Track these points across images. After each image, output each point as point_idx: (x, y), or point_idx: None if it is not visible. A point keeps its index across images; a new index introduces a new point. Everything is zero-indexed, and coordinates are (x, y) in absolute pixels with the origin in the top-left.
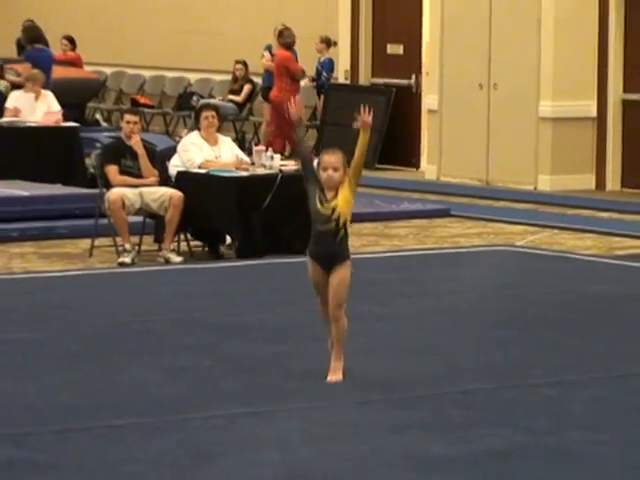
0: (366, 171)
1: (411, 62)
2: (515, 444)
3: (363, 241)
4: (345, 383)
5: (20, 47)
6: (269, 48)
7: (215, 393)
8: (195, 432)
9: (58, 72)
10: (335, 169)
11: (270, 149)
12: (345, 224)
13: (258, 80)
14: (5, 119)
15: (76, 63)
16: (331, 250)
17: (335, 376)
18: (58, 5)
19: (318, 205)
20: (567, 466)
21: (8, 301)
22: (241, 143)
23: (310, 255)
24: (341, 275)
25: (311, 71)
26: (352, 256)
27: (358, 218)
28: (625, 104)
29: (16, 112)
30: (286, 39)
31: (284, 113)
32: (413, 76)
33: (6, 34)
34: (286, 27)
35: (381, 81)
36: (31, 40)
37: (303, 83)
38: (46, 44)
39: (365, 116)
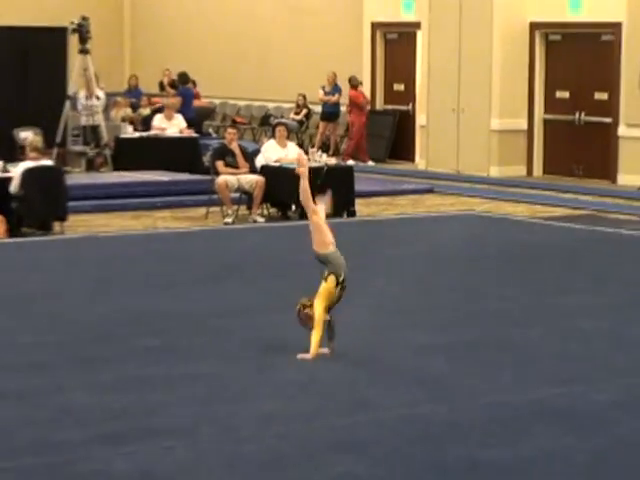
0: (379, 163)
1: (409, 95)
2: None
3: (379, 208)
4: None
5: (162, 87)
6: (323, 87)
7: (281, 301)
8: (272, 329)
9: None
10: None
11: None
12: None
13: (312, 107)
14: (153, 132)
15: (198, 96)
16: None
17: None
18: (183, 56)
19: None
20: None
21: (153, 246)
22: (301, 146)
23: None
24: None
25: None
26: (370, 219)
27: (374, 194)
28: (545, 121)
29: (161, 129)
30: (353, 82)
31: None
32: (410, 104)
33: (149, 76)
34: (353, 75)
35: (390, 107)
36: (183, 82)
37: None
38: (193, 84)
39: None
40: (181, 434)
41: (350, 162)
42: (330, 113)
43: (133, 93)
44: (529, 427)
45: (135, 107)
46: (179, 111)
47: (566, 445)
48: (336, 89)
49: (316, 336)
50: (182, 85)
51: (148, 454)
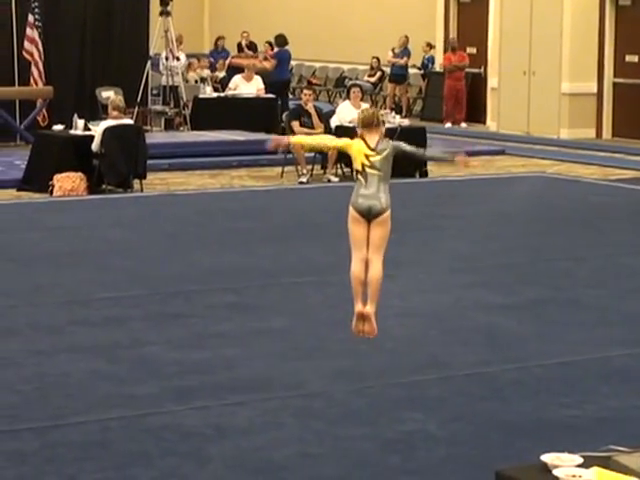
0: (457, 125)
1: (481, 57)
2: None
3: (450, 169)
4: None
5: (240, 48)
6: (393, 49)
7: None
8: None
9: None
10: None
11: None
12: None
13: (385, 69)
14: (229, 92)
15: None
16: None
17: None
18: (261, 18)
19: None
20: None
21: (230, 204)
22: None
23: None
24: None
25: (419, 63)
26: (442, 179)
27: None
28: (615, 85)
29: (235, 87)
30: (453, 44)
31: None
32: (482, 66)
33: (229, 38)
34: (452, 38)
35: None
36: (280, 44)
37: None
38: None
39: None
40: (253, 390)
41: (464, 125)
42: (398, 75)
43: (221, 54)
44: (597, 388)
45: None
46: (274, 73)
47: (634, 406)
48: (405, 52)
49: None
50: (279, 47)
51: (219, 409)
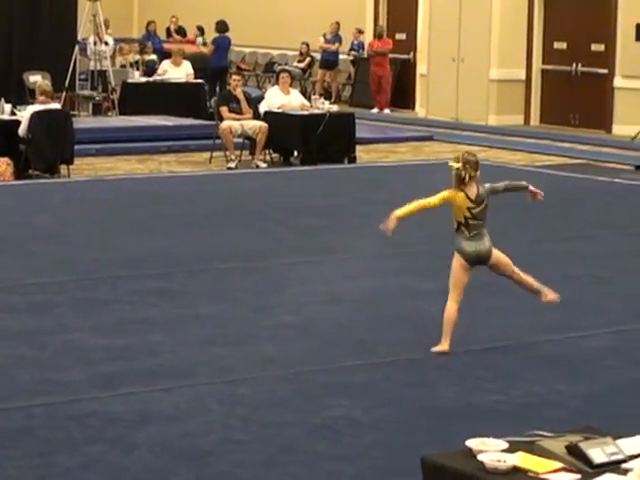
0: (380, 111)
1: (410, 44)
2: None
3: (379, 155)
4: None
5: (169, 33)
6: (324, 35)
7: (280, 246)
8: (271, 272)
9: (191, 48)
10: None
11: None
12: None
13: (315, 54)
14: (158, 77)
15: (194, 43)
16: None
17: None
18: (191, 3)
19: None
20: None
21: (157, 190)
22: (304, 93)
23: None
24: None
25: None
26: (370, 165)
27: (376, 141)
28: (543, 72)
29: (164, 73)
30: (379, 32)
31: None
32: (411, 53)
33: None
34: (380, 25)
35: (392, 56)
36: (220, 31)
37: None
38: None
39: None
40: (179, 376)
41: (387, 111)
42: (329, 61)
43: (151, 38)
44: (522, 373)
45: (157, 53)
46: (212, 60)
47: (558, 391)
48: (336, 38)
49: None
50: (220, 33)
51: (145, 395)
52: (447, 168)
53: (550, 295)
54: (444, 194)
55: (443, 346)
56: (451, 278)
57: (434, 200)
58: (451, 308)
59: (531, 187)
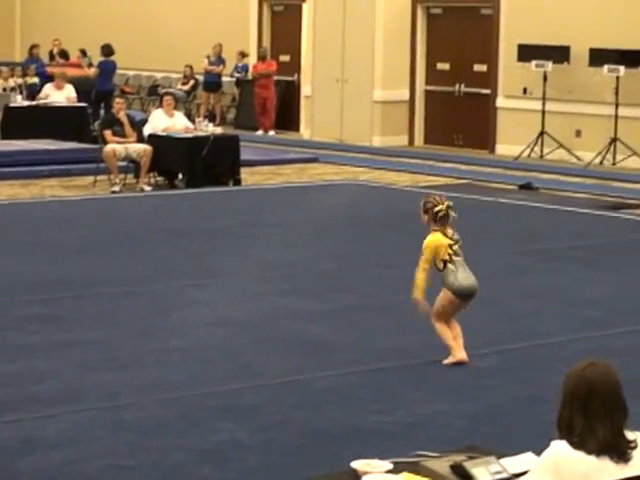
0: (264, 133)
1: (294, 66)
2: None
3: (263, 177)
4: (252, 265)
5: (52, 56)
6: (208, 57)
7: (165, 269)
8: (156, 296)
9: (74, 72)
10: None
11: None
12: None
13: (199, 77)
14: (40, 101)
15: (81, 66)
16: None
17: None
18: (73, 25)
19: None
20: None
21: (40, 214)
22: (188, 116)
23: None
24: None
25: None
26: (255, 187)
27: (261, 163)
28: (427, 92)
29: (47, 96)
30: (262, 54)
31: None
32: (296, 74)
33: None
34: (263, 47)
35: (276, 78)
36: (106, 54)
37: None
38: (82, 54)
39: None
40: (64, 402)
41: (272, 133)
42: (212, 83)
43: (34, 62)
44: (407, 393)
45: (40, 76)
46: (97, 83)
47: (443, 411)
48: (220, 60)
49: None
50: (105, 57)
51: (30, 422)
52: (331, 188)
53: (459, 356)
54: (427, 243)
55: (462, 354)
56: (436, 308)
57: (425, 258)
58: (442, 328)
59: None
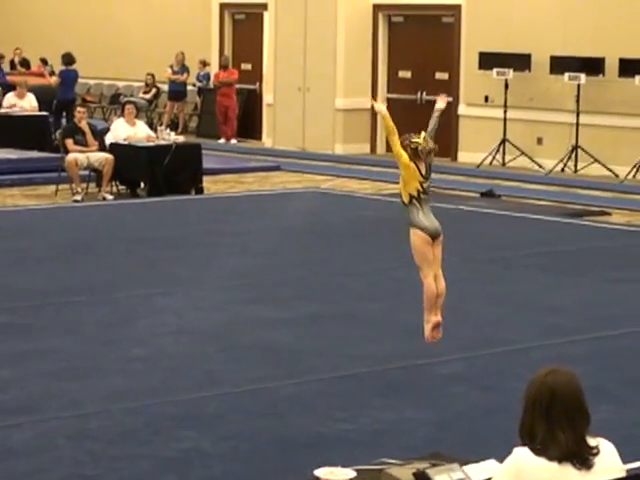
0: (227, 142)
1: (256, 74)
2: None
3: (226, 186)
4: (212, 274)
5: (12, 65)
6: (171, 66)
7: (128, 278)
8: (119, 305)
9: (35, 80)
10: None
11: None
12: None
13: (161, 86)
14: (2, 110)
15: (43, 74)
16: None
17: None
18: (34, 34)
19: None
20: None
21: (3, 223)
22: (150, 125)
23: None
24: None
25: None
26: (217, 196)
27: (223, 171)
28: (388, 100)
29: (11, 106)
30: (224, 63)
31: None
32: (258, 83)
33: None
34: (224, 56)
35: (238, 86)
36: (66, 63)
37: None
38: (43, 63)
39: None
40: (27, 411)
41: (234, 141)
42: (177, 92)
43: None
44: (372, 401)
45: (1, 85)
46: (58, 92)
47: (408, 419)
48: (183, 69)
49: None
50: (66, 66)
51: None
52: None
53: (435, 318)
54: (404, 158)
55: (437, 317)
56: (417, 256)
57: (397, 139)
58: (429, 283)
59: (439, 106)
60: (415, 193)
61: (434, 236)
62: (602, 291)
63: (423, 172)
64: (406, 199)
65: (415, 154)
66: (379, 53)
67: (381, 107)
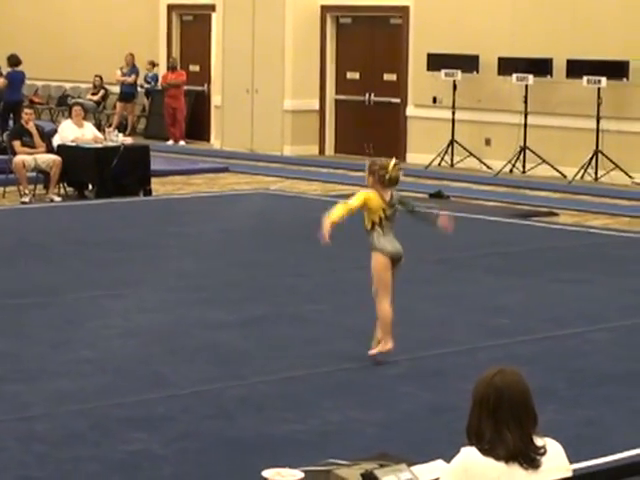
0: (175, 143)
1: (204, 76)
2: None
3: (174, 187)
4: (165, 275)
5: None
6: (121, 68)
7: (76, 280)
8: (67, 307)
9: None
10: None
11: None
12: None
13: (109, 87)
14: None
15: None
16: None
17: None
18: None
19: None
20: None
21: None
22: (98, 126)
23: None
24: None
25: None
26: (166, 197)
27: (171, 173)
28: (337, 102)
29: None
30: (172, 64)
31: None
32: (205, 84)
33: None
34: (172, 57)
35: (186, 88)
36: (13, 64)
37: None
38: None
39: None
40: None
41: (182, 143)
42: (127, 94)
43: None
44: (320, 402)
45: None
46: (5, 94)
47: (355, 419)
48: (133, 70)
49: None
50: (12, 67)
51: None
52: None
53: (387, 346)
54: (361, 195)
55: (388, 345)
56: (376, 279)
57: (354, 203)
58: (385, 309)
59: (441, 221)
60: (377, 220)
61: (395, 259)
62: (550, 292)
63: (387, 199)
64: (369, 225)
65: (381, 181)
66: (327, 54)
67: (328, 230)
